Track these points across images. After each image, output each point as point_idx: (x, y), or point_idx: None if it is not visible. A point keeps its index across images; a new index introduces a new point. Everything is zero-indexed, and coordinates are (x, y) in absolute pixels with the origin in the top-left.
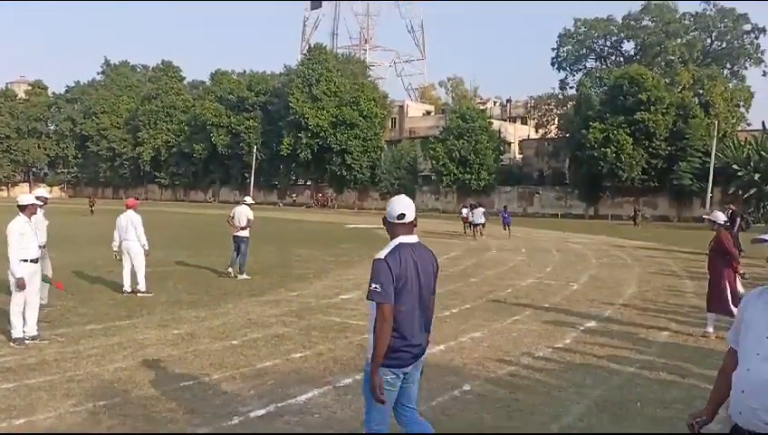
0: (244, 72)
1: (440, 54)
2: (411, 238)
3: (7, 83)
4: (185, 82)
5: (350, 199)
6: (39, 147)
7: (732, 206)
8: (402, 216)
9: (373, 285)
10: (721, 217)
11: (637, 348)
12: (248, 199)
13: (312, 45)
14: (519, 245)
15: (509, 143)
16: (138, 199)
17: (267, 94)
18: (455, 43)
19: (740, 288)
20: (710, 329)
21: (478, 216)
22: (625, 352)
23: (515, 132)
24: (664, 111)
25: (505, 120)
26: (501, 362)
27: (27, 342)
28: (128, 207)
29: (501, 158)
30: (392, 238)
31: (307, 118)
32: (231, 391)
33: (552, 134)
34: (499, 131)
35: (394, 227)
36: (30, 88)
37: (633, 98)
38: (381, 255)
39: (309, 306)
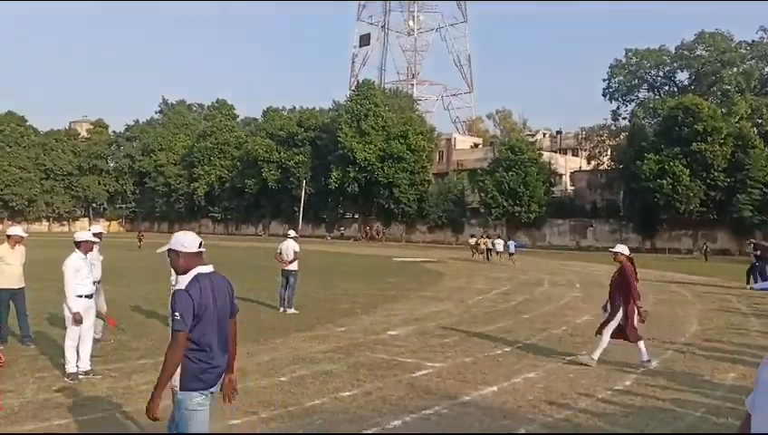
0: (294, 108)
1: (488, 87)
2: (207, 268)
3: (71, 123)
4: (238, 120)
5: (397, 232)
6: (99, 183)
7: (753, 239)
8: (201, 244)
9: (176, 314)
10: (625, 249)
11: (701, 391)
12: (291, 233)
13: (361, 81)
14: (573, 279)
15: (560, 175)
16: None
17: (316, 130)
18: (503, 76)
19: (636, 324)
20: (644, 357)
21: (499, 245)
22: (689, 395)
23: (566, 164)
24: (721, 141)
25: (556, 152)
26: (557, 405)
27: (81, 377)
28: None
29: (552, 190)
30: (187, 270)
31: (355, 152)
32: (279, 429)
33: (605, 166)
34: (549, 163)
35: (190, 258)
36: (92, 127)
37: (689, 128)
38: (182, 285)
39: (356, 342)
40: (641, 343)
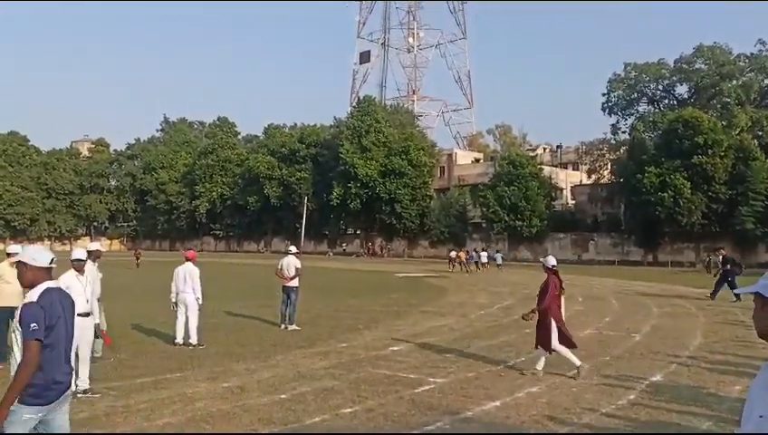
0: (296, 125)
1: (488, 102)
2: (55, 283)
3: (72, 142)
4: (239, 137)
5: (399, 248)
6: (100, 202)
7: (722, 251)
8: (53, 261)
9: (32, 325)
10: (551, 260)
11: (707, 404)
12: (293, 249)
13: (362, 97)
14: (575, 293)
15: (560, 189)
16: (196, 251)
17: (318, 146)
18: (502, 91)
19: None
20: (539, 366)
21: (483, 257)
22: (695, 408)
23: (567, 178)
24: (722, 153)
25: (556, 166)
26: (560, 421)
27: (79, 395)
28: (187, 259)
29: (552, 204)
30: (33, 284)
31: (356, 168)
32: None
33: (606, 179)
34: (550, 177)
35: (38, 272)
36: (93, 146)
37: (689, 141)
38: (33, 298)
39: (358, 358)
40: (544, 354)
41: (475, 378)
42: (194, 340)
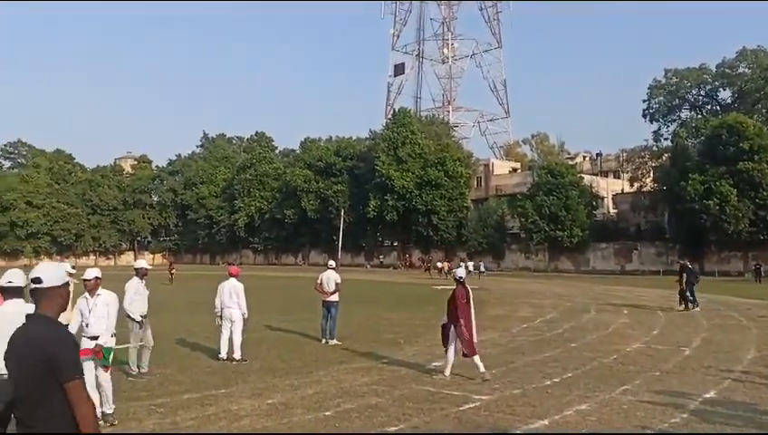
0: (331, 138)
1: (524, 111)
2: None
3: (116, 159)
4: (276, 151)
5: (436, 260)
6: (143, 217)
7: (680, 261)
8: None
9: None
10: (459, 272)
11: (764, 422)
12: (332, 263)
13: (397, 109)
14: (619, 305)
15: (602, 198)
16: (231, 265)
17: (354, 159)
18: (539, 100)
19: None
20: (481, 369)
21: (469, 266)
22: (752, 427)
23: (608, 187)
24: None
25: (596, 175)
26: None
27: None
28: (231, 275)
29: (594, 213)
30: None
31: (393, 180)
32: None
33: (648, 187)
34: (590, 186)
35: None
36: (136, 163)
37: (734, 147)
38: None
39: (400, 374)
40: (476, 358)
41: (522, 395)
42: (238, 355)
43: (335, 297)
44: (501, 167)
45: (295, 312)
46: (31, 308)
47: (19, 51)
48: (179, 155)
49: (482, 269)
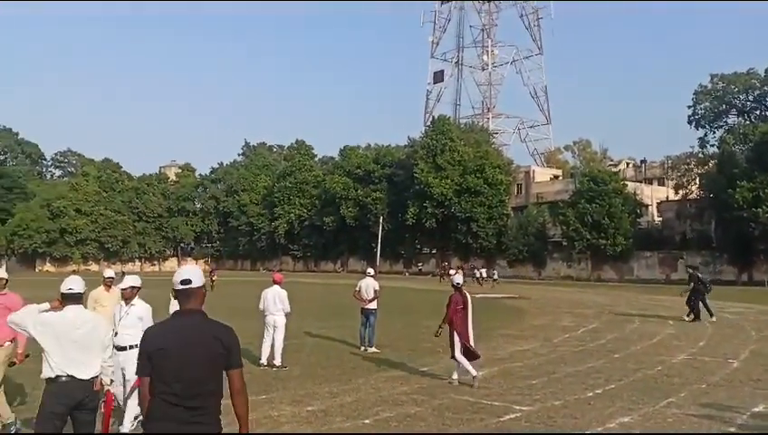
0: (370, 145)
1: (566, 118)
2: None
3: (160, 167)
4: (316, 159)
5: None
6: (186, 224)
7: (689, 269)
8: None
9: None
10: (456, 278)
11: None
12: (370, 271)
13: (436, 117)
14: (665, 315)
15: (646, 206)
16: (271, 271)
17: (393, 166)
18: (580, 106)
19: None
20: (454, 376)
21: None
22: None
23: (652, 194)
24: None
25: (640, 182)
26: None
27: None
28: (274, 282)
29: (638, 221)
30: None
31: (432, 187)
32: None
33: (694, 195)
34: (634, 193)
35: None
36: (180, 171)
37: None
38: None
39: (440, 383)
40: (464, 362)
41: (563, 406)
42: (278, 361)
43: (374, 305)
44: (542, 174)
45: (334, 318)
46: (89, 313)
47: (69, 63)
48: (221, 163)
49: (495, 277)
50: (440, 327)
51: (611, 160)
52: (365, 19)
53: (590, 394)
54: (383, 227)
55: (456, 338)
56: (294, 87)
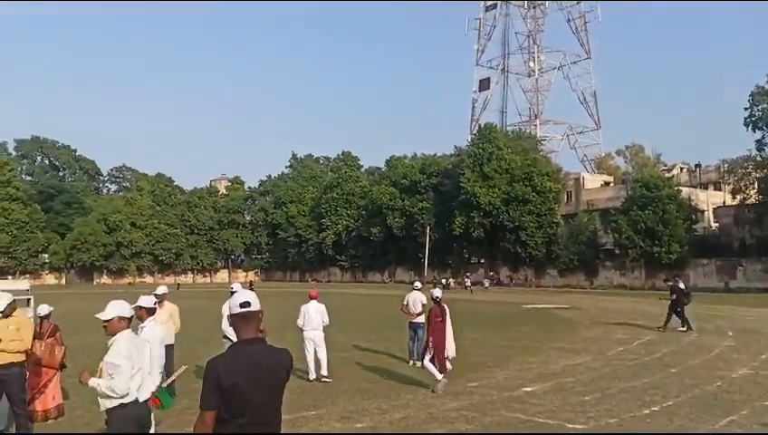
0: (416, 155)
1: (616, 122)
2: None
3: (211, 181)
4: (362, 170)
5: (524, 277)
6: (236, 236)
7: (669, 281)
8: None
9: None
10: (435, 292)
11: None
12: (418, 284)
13: (482, 125)
14: (723, 326)
15: (702, 211)
16: (319, 282)
17: (439, 176)
18: (631, 110)
19: (451, 353)
20: (438, 377)
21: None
22: None
23: (708, 199)
24: None
25: (695, 187)
26: None
27: None
28: (311, 298)
29: (693, 227)
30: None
31: (479, 196)
32: None
33: (753, 199)
34: (689, 199)
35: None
36: (229, 184)
37: None
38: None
39: (490, 399)
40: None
41: (618, 424)
42: (325, 372)
43: (422, 318)
44: (592, 181)
45: (382, 331)
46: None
47: (124, 82)
48: (270, 176)
49: (486, 285)
50: (428, 341)
51: (664, 165)
52: (409, 29)
53: (647, 411)
54: (430, 237)
55: (430, 347)
56: (340, 99)
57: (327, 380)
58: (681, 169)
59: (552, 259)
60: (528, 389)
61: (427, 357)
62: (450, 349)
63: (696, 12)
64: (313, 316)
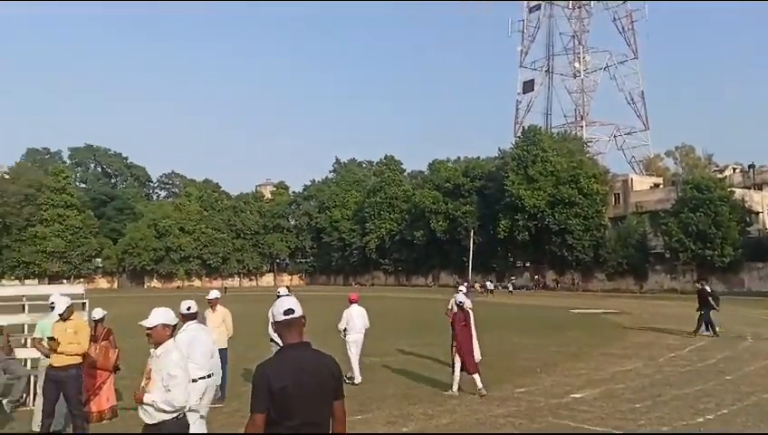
0: (459, 158)
1: (665, 123)
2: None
3: (256, 186)
4: (405, 174)
5: (574, 280)
6: (281, 240)
7: (698, 285)
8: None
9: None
10: (459, 297)
11: None
12: (462, 288)
13: (526, 127)
14: None
15: (756, 213)
16: (363, 285)
17: (482, 179)
18: (680, 110)
19: (477, 355)
20: (455, 388)
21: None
22: None
23: (762, 201)
24: None
25: (749, 188)
26: None
27: None
28: (352, 301)
29: (748, 230)
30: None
31: (523, 199)
32: None
33: None
34: (743, 200)
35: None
36: (274, 189)
37: None
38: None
39: (538, 406)
40: (476, 376)
41: (671, 433)
42: (356, 373)
43: None
44: (641, 182)
45: (426, 335)
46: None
47: (171, 91)
48: (314, 180)
49: (490, 287)
50: (454, 346)
51: (716, 166)
52: (451, 30)
53: (701, 420)
54: (474, 240)
55: (456, 355)
56: (382, 103)
57: (354, 381)
58: (734, 169)
59: (599, 263)
60: (577, 395)
61: (458, 366)
62: (476, 352)
63: (745, 9)
64: (356, 320)
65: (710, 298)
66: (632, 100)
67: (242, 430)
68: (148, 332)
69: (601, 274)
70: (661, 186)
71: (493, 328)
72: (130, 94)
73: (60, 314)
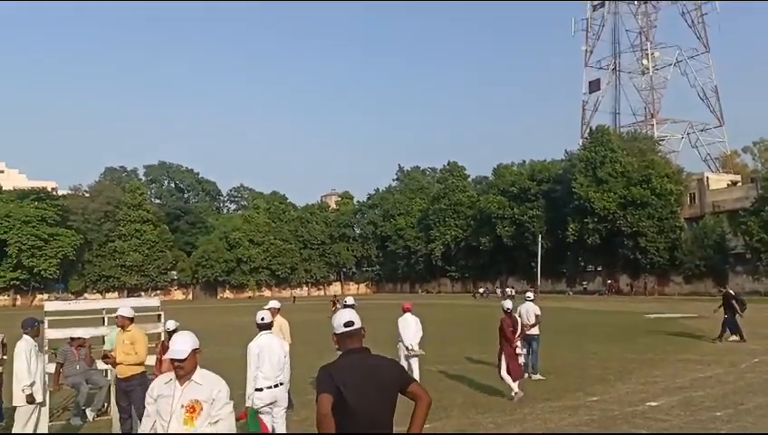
0: (525, 162)
1: (741, 117)
2: None
3: (322, 197)
4: (469, 179)
5: (640, 284)
6: (347, 249)
7: (723, 290)
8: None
9: None
10: (506, 304)
11: None
12: (530, 295)
13: (594, 127)
14: None
15: None
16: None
17: (549, 182)
18: (757, 104)
19: (521, 359)
20: (515, 390)
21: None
22: None
23: None
24: None
25: None
26: None
27: None
28: (406, 310)
29: None
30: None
31: (592, 201)
32: None
33: None
34: None
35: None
36: (339, 199)
37: None
38: None
39: (612, 415)
40: (515, 382)
41: None
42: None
43: (535, 330)
44: (717, 181)
45: (494, 343)
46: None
47: (238, 106)
48: (378, 189)
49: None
50: (515, 348)
51: None
52: (513, 33)
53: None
54: (542, 245)
55: (504, 359)
56: (444, 109)
57: None
58: None
59: (675, 265)
60: (653, 403)
61: (503, 369)
62: (521, 357)
63: None
64: (412, 329)
65: (734, 302)
66: (705, 95)
67: None
68: (180, 365)
69: (678, 277)
70: (739, 183)
71: (566, 336)
72: (200, 112)
73: (128, 318)
